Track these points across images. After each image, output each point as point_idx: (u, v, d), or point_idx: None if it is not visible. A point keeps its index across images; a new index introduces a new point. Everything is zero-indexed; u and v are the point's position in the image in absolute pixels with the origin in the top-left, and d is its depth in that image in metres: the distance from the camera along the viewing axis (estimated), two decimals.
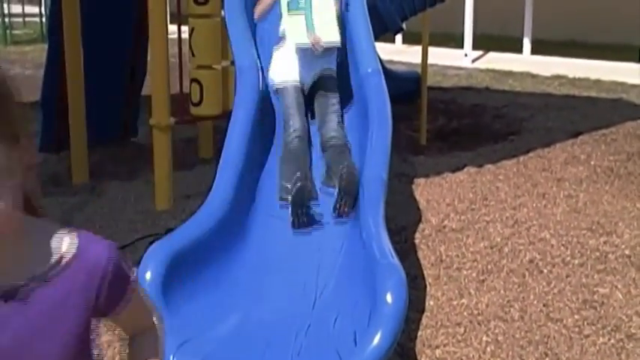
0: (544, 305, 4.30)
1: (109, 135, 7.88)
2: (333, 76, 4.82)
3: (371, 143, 4.28)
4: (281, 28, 5.02)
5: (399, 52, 14.57)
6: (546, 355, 3.81)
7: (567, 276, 4.65)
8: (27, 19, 21.16)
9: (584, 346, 3.88)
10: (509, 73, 12.67)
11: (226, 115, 5.28)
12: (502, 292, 4.48)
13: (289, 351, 3.24)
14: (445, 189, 6.34)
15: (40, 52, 14.35)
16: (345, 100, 4.89)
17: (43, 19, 18.40)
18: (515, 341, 3.94)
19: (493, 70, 13.08)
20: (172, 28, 6.84)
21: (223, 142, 4.33)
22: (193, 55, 6.23)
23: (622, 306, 4.27)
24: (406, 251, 5.01)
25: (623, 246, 5.06)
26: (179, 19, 6.58)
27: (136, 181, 6.71)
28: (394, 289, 3.02)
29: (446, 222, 5.56)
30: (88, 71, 6.82)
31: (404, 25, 9.16)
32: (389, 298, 2.98)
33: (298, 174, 4.08)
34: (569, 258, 4.90)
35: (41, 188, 5.50)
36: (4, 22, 18.84)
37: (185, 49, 6.43)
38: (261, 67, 4.93)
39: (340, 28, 4.85)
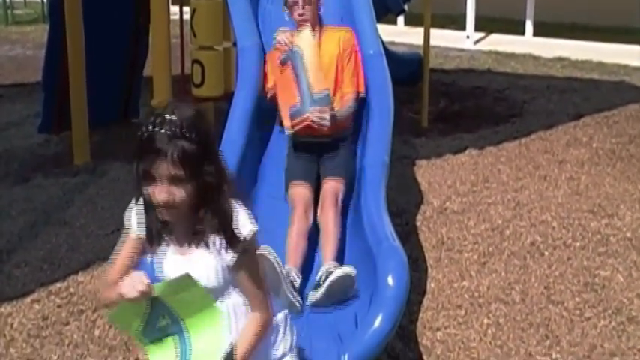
0: (545, 288, 4.31)
1: (111, 116, 7.87)
2: None
3: (372, 125, 4.27)
4: None
5: (400, 34, 14.52)
6: (547, 337, 3.82)
7: (568, 258, 4.66)
8: None
9: (585, 328, 3.89)
10: (512, 55, 12.63)
11: (228, 97, 5.26)
12: (503, 274, 4.49)
13: None
14: (446, 171, 6.34)
15: (41, 32, 14.32)
16: None
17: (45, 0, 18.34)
18: (516, 324, 3.95)
19: (495, 52, 13.04)
20: (174, 9, 6.82)
21: (224, 123, 4.32)
22: (195, 36, 6.20)
23: (623, 289, 4.28)
24: (407, 233, 5.02)
25: (624, 228, 5.06)
26: (181, 0, 6.56)
27: None
28: (395, 271, 3.02)
29: (447, 204, 5.56)
30: (89, 52, 6.79)
31: (406, 7, 9.13)
32: (390, 280, 2.98)
33: None
34: (570, 240, 4.91)
35: (42, 168, 5.48)
36: (5, 2, 18.78)
37: (187, 30, 6.41)
38: (263, 49, 4.91)
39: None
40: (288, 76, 4.30)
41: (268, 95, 4.50)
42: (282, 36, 4.38)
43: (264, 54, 4.84)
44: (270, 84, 4.50)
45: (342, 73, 4.35)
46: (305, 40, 4.32)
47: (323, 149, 4.25)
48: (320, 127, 4.11)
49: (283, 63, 4.34)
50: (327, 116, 4.11)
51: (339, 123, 4.27)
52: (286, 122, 4.24)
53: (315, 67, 4.24)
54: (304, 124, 4.14)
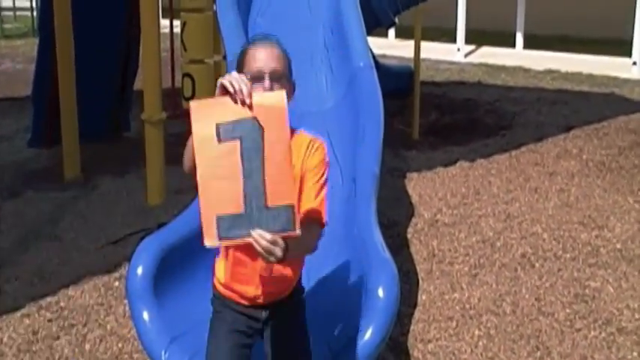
0: (536, 299, 4.31)
1: (101, 130, 7.86)
2: None
3: (363, 138, 4.27)
4: None
5: (391, 47, 14.57)
6: (538, 348, 3.82)
7: (559, 270, 4.67)
8: (18, 13, 21.11)
9: (576, 339, 3.89)
10: (502, 68, 12.69)
11: None
12: (494, 286, 4.49)
13: None
14: (437, 183, 6.35)
15: (31, 46, 14.33)
16: (338, 94, 4.87)
17: (34, 13, 18.35)
18: (507, 335, 3.95)
19: (486, 65, 13.10)
20: (164, 22, 6.82)
21: None
22: (185, 49, 6.22)
23: (613, 300, 4.29)
24: (398, 246, 5.02)
25: (614, 240, 5.08)
26: (171, 14, 6.57)
27: (128, 175, 6.70)
28: (386, 283, 3.01)
29: (438, 216, 5.57)
30: (79, 66, 6.79)
31: (396, 19, 9.16)
32: (381, 292, 2.97)
33: None
34: (560, 252, 4.92)
35: (33, 183, 5.44)
36: None
37: (177, 43, 6.42)
38: None
39: None
40: (228, 161, 2.39)
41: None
42: (238, 80, 2.39)
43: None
44: (187, 163, 2.55)
45: (304, 189, 2.65)
46: (273, 108, 2.43)
47: (268, 316, 2.74)
48: (265, 261, 2.37)
49: (222, 138, 2.40)
50: (280, 249, 2.34)
51: (295, 266, 2.73)
52: (209, 237, 2.42)
53: (282, 162, 2.40)
54: (239, 243, 2.42)
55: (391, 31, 15.77)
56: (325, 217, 2.69)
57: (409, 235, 5.25)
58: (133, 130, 8.13)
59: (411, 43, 8.36)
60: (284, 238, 2.35)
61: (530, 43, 14.35)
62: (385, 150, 4.40)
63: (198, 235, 3.65)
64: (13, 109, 9.70)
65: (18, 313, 4.25)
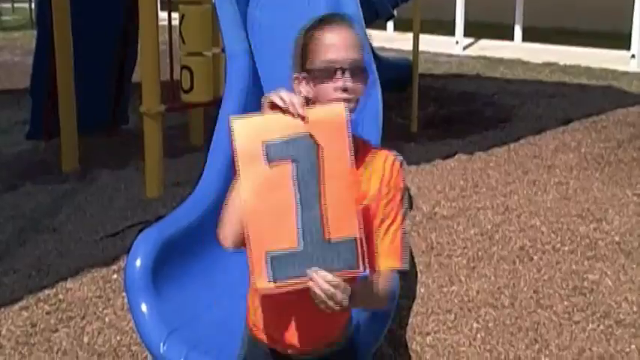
0: (534, 292, 4.31)
1: (99, 122, 7.85)
2: None
3: (362, 130, 4.27)
4: None
5: (390, 40, 14.55)
6: (536, 341, 3.82)
7: (557, 263, 4.67)
8: (16, 5, 21.08)
9: (574, 332, 3.90)
10: (501, 61, 12.68)
11: (217, 102, 5.26)
12: (492, 278, 4.49)
13: None
14: (436, 176, 6.35)
15: (29, 38, 14.30)
16: None
17: (32, 6, 18.32)
18: (505, 328, 3.95)
19: (484, 58, 13.09)
20: (163, 14, 6.80)
21: (214, 129, 4.31)
22: (184, 42, 6.21)
23: (611, 292, 4.29)
24: None
25: (612, 233, 5.08)
26: (169, 6, 6.56)
27: (127, 168, 6.69)
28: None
29: (437, 209, 5.57)
30: (77, 58, 6.78)
31: (395, 12, 9.16)
32: None
33: None
34: (559, 245, 4.92)
35: (31, 175, 5.43)
36: None
37: (175, 36, 6.41)
38: (252, 54, 4.90)
39: None
40: (280, 187, 1.95)
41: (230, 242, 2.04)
42: (288, 95, 1.92)
43: (253, 60, 4.82)
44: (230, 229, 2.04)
45: (381, 221, 2.17)
46: (332, 122, 1.99)
47: None
48: (327, 309, 1.84)
49: (272, 159, 1.96)
50: (340, 294, 1.84)
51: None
52: (260, 279, 1.90)
53: (343, 187, 1.95)
54: (297, 287, 1.89)
55: (390, 24, 15.76)
56: (400, 258, 2.16)
57: (407, 228, 5.24)
58: (131, 123, 8.12)
59: (410, 35, 8.35)
60: (348, 281, 1.87)
61: (529, 36, 14.34)
62: (383, 143, 4.39)
63: (196, 227, 3.66)
64: (11, 101, 9.68)
65: (16, 306, 4.25)
